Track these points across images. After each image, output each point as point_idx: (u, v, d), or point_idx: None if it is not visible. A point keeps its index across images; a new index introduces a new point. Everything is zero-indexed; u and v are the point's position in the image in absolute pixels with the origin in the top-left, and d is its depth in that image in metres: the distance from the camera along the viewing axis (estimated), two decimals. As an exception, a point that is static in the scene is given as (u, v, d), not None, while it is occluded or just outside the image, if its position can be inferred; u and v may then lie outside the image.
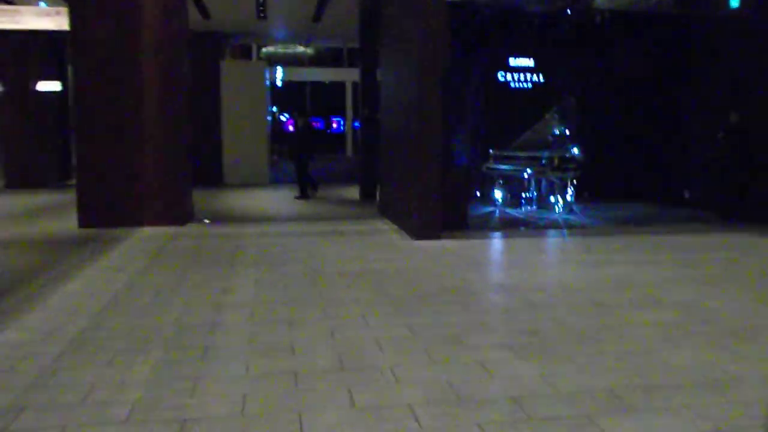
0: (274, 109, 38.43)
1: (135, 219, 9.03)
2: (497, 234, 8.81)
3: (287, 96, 35.53)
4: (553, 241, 8.44)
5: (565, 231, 9.08)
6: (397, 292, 5.54)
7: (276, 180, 17.28)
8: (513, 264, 6.91)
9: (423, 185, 8.06)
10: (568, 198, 10.87)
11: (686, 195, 11.70)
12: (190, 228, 9.14)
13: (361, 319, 4.76)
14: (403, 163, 8.88)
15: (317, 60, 32.95)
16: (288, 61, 31.44)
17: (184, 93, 9.40)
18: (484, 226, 9.35)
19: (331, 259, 6.99)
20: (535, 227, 9.36)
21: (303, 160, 12.91)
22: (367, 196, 12.69)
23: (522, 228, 9.23)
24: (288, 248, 7.61)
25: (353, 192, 13.73)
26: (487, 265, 6.92)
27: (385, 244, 7.97)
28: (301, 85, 34.23)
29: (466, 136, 11.95)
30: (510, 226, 9.40)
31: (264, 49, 30.78)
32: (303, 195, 12.97)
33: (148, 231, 8.70)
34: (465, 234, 8.57)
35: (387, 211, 10.23)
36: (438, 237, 8.13)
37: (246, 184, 16.14)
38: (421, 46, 7.93)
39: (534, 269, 6.55)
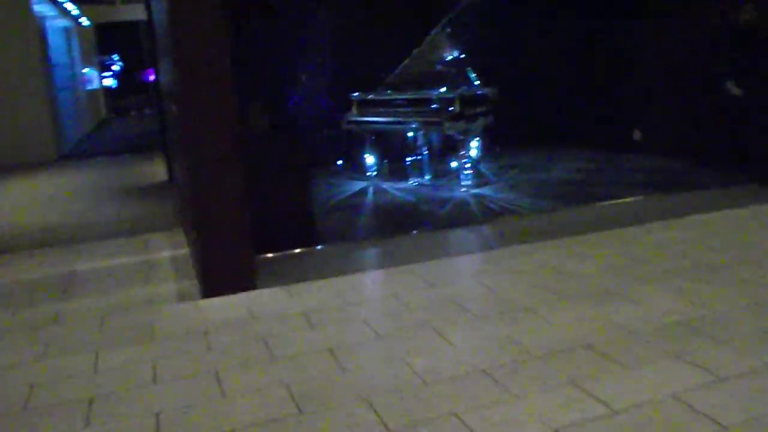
0: (115, 58, 32.21)
1: None
2: (372, 255, 4.77)
3: (117, 41, 29.60)
4: (480, 260, 4.51)
5: (491, 231, 5.20)
6: None
7: (73, 150, 12.36)
8: (437, 380, 2.89)
9: (204, 186, 3.84)
10: (476, 158, 7.01)
11: (636, 136, 8.17)
12: None
13: None
14: (177, 139, 4.61)
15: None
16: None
17: None
18: (347, 230, 5.30)
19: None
20: (436, 225, 5.41)
21: None
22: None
23: (414, 232, 5.23)
24: None
25: (163, 169, 9.24)
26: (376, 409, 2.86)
27: (140, 316, 3.73)
28: (133, 26, 28.19)
29: (307, 75, 7.72)
30: (394, 226, 5.41)
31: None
32: None
33: None
34: (309, 261, 4.51)
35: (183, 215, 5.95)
36: (251, 285, 4.02)
37: (21, 164, 11.17)
38: None
39: (499, 403, 2.58)
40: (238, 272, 3.98)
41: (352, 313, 3.55)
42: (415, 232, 5.18)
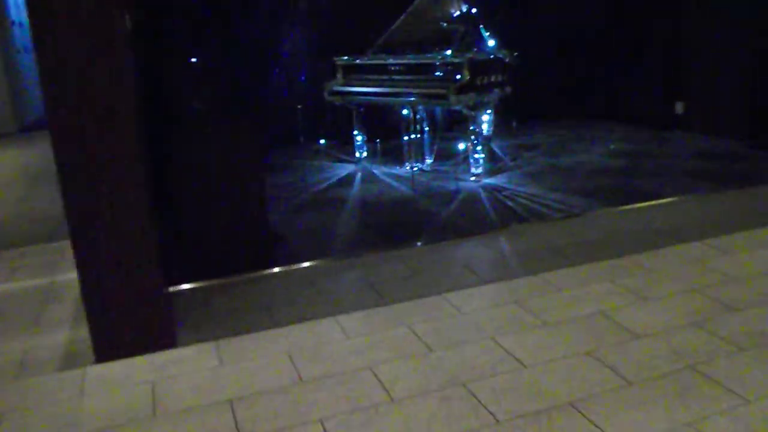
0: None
1: None
2: (349, 285, 3.52)
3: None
4: (497, 298, 3.26)
5: (510, 245, 3.93)
6: None
7: (40, 120, 11.06)
8: None
9: (85, 196, 2.59)
10: (488, 137, 5.72)
11: (678, 110, 6.84)
12: None
13: None
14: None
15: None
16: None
17: None
18: (318, 239, 4.04)
19: None
20: (438, 231, 4.15)
21: None
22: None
23: (418, 244, 3.97)
24: None
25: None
26: None
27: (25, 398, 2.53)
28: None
29: (277, 33, 6.40)
30: (383, 233, 4.15)
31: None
32: None
33: None
34: (258, 295, 3.26)
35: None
36: (167, 340, 2.78)
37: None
38: None
39: None
40: (146, 322, 2.74)
41: (303, 405, 2.31)
42: (417, 243, 3.92)
